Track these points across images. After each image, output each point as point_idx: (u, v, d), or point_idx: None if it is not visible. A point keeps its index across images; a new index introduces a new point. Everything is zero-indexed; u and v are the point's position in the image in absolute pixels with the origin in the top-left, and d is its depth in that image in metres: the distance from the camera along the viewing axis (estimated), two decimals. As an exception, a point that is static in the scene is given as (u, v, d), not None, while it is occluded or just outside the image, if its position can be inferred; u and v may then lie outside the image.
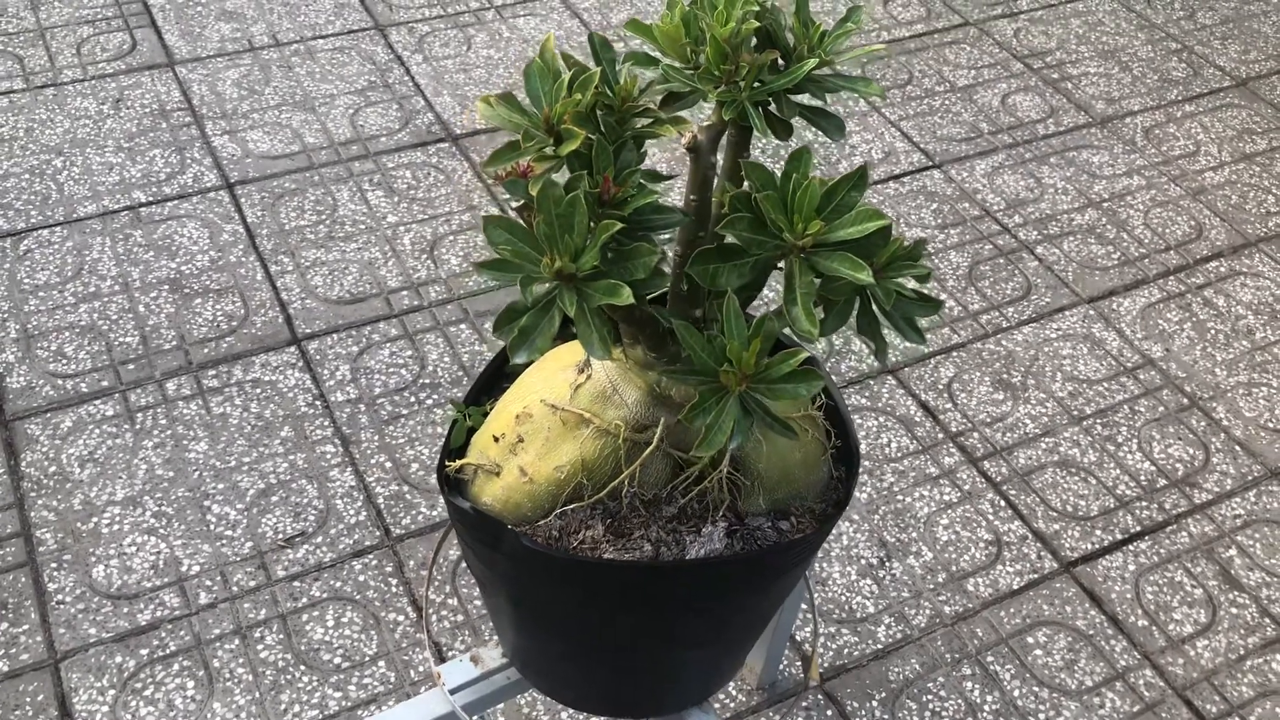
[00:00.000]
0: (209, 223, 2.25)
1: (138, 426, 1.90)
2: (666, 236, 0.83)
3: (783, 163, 0.82)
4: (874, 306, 0.86)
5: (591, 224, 0.76)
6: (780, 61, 0.91)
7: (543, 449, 1.02)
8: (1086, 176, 2.58)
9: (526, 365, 1.10)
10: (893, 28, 2.96)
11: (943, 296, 2.28)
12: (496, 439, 1.05)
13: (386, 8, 2.82)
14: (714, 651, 1.15)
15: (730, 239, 0.81)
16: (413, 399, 1.99)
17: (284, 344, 2.05)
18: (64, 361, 1.98)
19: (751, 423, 0.79)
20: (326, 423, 1.94)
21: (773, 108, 0.91)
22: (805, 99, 0.92)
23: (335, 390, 1.99)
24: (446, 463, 1.07)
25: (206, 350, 2.03)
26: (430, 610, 1.71)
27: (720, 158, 0.93)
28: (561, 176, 0.81)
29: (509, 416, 1.05)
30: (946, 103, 2.74)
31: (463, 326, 2.12)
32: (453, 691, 1.25)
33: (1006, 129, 2.69)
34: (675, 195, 2.26)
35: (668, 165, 2.45)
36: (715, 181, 0.93)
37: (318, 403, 1.97)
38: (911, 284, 0.87)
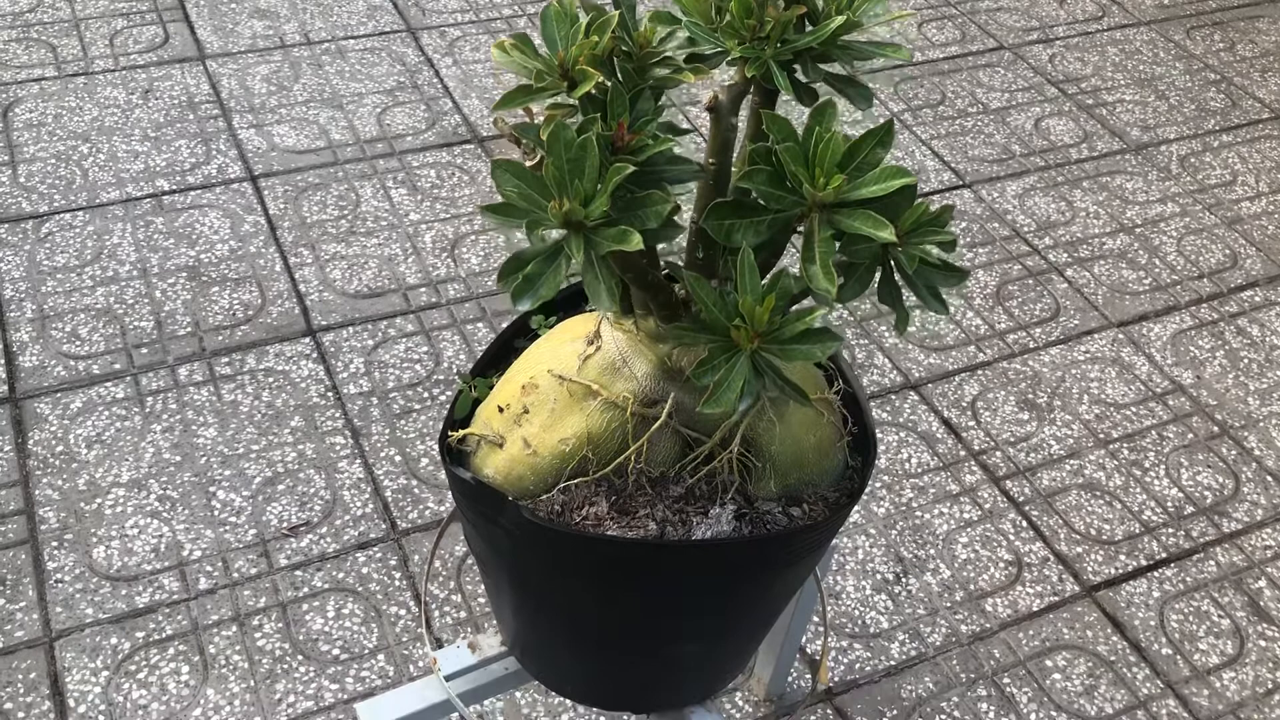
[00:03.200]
0: (231, 213, 2.24)
1: (147, 410, 1.88)
2: (681, 193, 0.80)
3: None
4: (896, 274, 0.82)
5: (603, 169, 0.73)
6: (807, 23, 0.88)
7: (548, 421, 0.99)
8: (1119, 202, 2.54)
9: (533, 336, 1.07)
10: (927, 49, 2.93)
11: (969, 315, 2.24)
12: (501, 409, 1.02)
13: (419, 11, 2.82)
14: (717, 645, 1.11)
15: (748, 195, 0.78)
16: (425, 394, 1.96)
17: (299, 335, 2.03)
18: (78, 343, 1.97)
19: (762, 383, 0.75)
20: (337, 414, 1.91)
21: (799, 74, 0.88)
22: (834, 69, 0.89)
23: (348, 382, 1.96)
24: (449, 433, 1.04)
25: (221, 338, 2.01)
26: (431, 602, 1.68)
27: (743, 124, 0.90)
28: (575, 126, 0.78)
29: (515, 387, 1.02)
30: (978, 124, 2.71)
31: (480, 325, 2.09)
32: (448, 678, 1.21)
33: (1039, 152, 2.65)
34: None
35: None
36: (736, 146, 0.90)
37: (330, 394, 1.94)
38: (936, 251, 0.83)
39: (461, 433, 1.03)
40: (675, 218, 0.75)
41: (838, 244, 0.77)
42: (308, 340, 2.03)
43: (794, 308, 0.75)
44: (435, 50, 2.70)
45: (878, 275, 0.83)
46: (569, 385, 0.99)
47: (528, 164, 0.75)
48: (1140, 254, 2.42)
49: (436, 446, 1.87)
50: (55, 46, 2.57)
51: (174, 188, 2.28)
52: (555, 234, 0.75)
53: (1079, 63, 2.94)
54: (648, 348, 0.97)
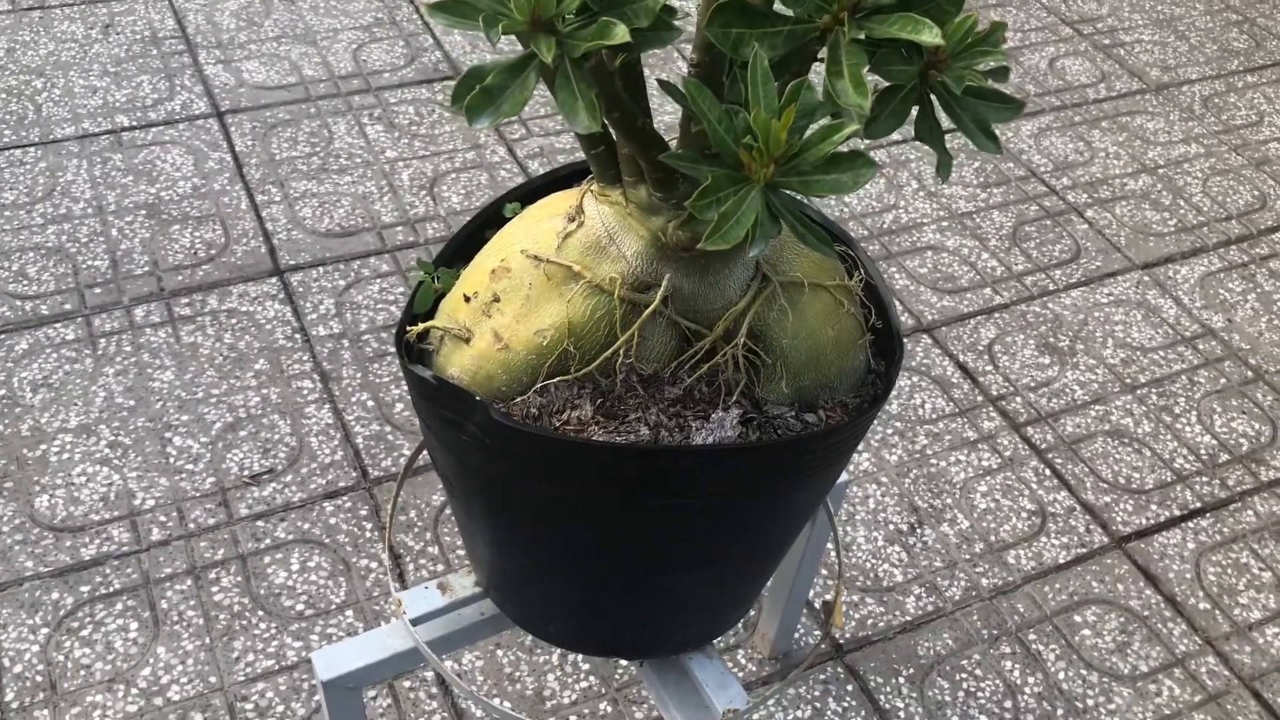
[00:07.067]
0: (194, 150, 2.09)
1: (99, 352, 1.74)
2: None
3: None
4: (936, 108, 0.68)
5: (581, -43, 0.59)
6: None
7: (522, 310, 0.85)
8: (1140, 142, 2.40)
9: (503, 218, 0.93)
10: (934, -12, 2.79)
11: (984, 256, 2.09)
12: (468, 299, 0.87)
13: (399, -52, 2.66)
14: (718, 576, 0.97)
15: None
16: (402, 336, 1.82)
17: (265, 274, 1.89)
18: (25, 282, 1.82)
19: (778, 226, 0.61)
20: (305, 357, 1.77)
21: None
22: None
23: (317, 324, 1.82)
24: (408, 328, 0.89)
25: (181, 277, 1.86)
26: (405, 555, 1.54)
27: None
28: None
29: (484, 272, 0.87)
30: (990, 63, 2.56)
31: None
32: (415, 623, 1.07)
33: (1054, 91, 2.51)
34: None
35: None
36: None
37: (297, 336, 1.80)
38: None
39: (421, 326, 0.89)
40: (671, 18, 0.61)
41: (869, 60, 0.63)
42: (274, 280, 1.88)
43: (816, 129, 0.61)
44: (415, -13, 2.55)
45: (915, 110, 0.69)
46: (546, 267, 0.84)
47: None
48: (1164, 195, 2.28)
49: (410, 386, 1.74)
50: (10, -20, 2.42)
51: (134, 124, 2.13)
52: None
53: (1094, 3, 2.80)
54: (639, 222, 0.83)
